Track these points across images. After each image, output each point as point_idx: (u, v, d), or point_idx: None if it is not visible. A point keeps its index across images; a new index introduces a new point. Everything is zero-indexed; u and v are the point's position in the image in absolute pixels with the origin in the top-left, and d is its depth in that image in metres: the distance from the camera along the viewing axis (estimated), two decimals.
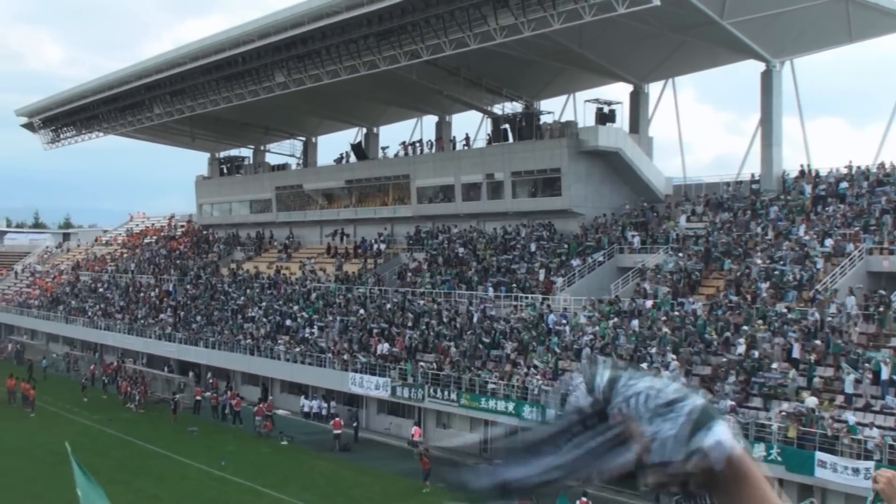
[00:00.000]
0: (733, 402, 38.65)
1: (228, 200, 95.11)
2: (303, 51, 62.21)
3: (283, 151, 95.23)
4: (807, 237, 48.54)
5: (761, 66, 57.51)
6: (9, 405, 62.46)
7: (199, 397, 63.61)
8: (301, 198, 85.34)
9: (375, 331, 59.11)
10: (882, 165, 53.20)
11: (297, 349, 62.04)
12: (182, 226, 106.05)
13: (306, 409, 60.37)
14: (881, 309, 41.41)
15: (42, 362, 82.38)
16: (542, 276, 56.96)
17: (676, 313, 46.88)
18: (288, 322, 66.80)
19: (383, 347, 56.28)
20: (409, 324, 58.23)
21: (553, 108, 70.10)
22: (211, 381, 68.25)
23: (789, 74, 59.11)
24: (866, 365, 38.03)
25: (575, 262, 56.57)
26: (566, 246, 59.34)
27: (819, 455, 34.72)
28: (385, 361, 55.05)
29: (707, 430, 2.14)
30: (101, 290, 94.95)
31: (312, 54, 61.99)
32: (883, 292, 42.46)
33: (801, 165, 57.51)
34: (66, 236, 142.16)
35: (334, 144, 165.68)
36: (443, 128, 77.64)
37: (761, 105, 58.33)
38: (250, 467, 46.98)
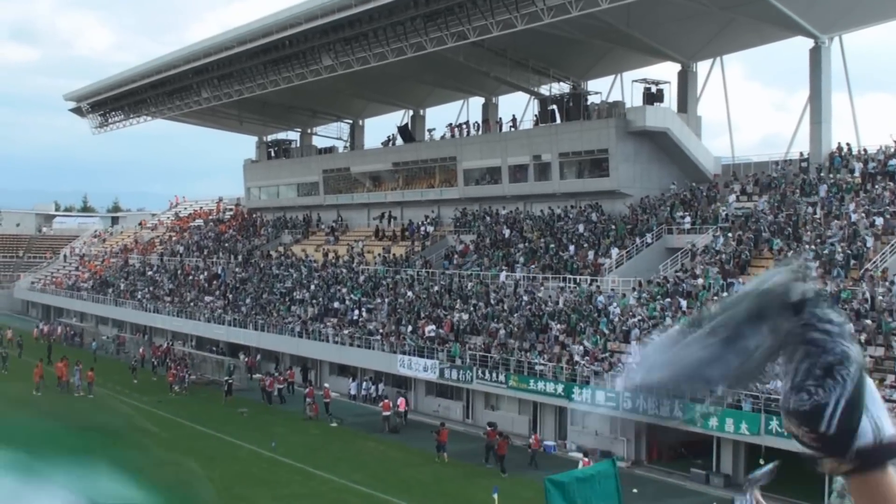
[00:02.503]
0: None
1: (276, 184, 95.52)
2: (350, 34, 62.32)
3: (330, 134, 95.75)
4: (856, 215, 48.11)
5: (810, 43, 56.91)
6: (58, 388, 63.01)
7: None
8: (348, 180, 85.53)
9: (423, 313, 59.25)
10: None
11: (346, 331, 62.27)
12: (230, 209, 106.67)
13: (353, 392, 60.55)
14: None
15: (92, 345, 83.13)
16: (590, 258, 56.82)
17: (726, 294, 46.58)
18: (336, 304, 67.04)
19: (431, 329, 56.36)
20: (457, 305, 58.27)
21: (600, 89, 69.89)
22: (247, 360, 69.19)
23: (838, 50, 58.58)
24: None
25: (614, 252, 56.12)
26: (614, 227, 59.10)
27: None
28: (433, 343, 55.14)
29: (863, 418, 2.10)
30: (150, 273, 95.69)
31: (360, 37, 62.11)
32: None
33: (846, 143, 56.73)
34: (115, 220, 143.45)
35: (381, 127, 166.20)
36: (489, 109, 77.57)
37: (810, 82, 57.74)
38: (300, 449, 47.21)
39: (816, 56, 56.83)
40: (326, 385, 59.62)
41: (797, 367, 2.12)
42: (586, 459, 40.42)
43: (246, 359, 69.92)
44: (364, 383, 60.41)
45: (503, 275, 59.62)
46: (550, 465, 42.68)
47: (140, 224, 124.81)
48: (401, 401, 54.18)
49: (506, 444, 44.14)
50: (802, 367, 2.11)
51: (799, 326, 2.12)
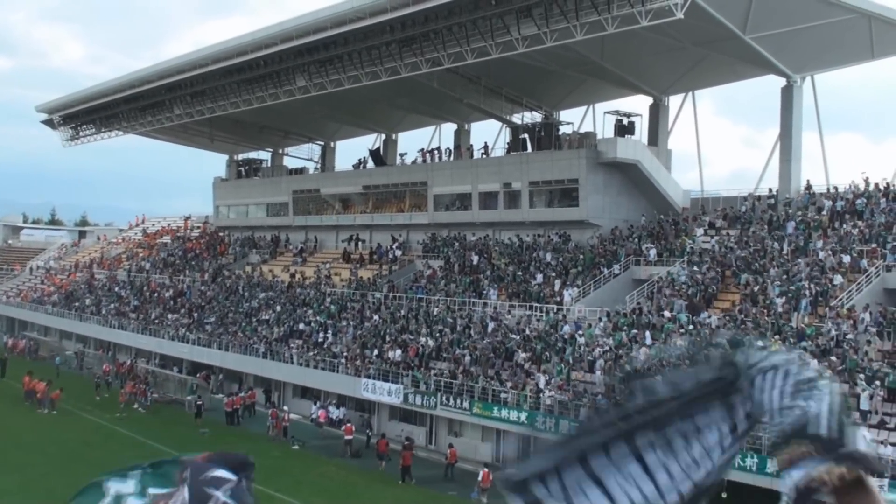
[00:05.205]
0: None
1: (245, 203, 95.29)
2: (325, 55, 62.26)
3: (301, 155, 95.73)
4: (823, 253, 48.44)
5: (782, 81, 57.46)
6: (25, 402, 62.61)
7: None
8: (318, 202, 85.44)
9: (389, 337, 59.14)
10: None
11: (310, 353, 62.03)
12: (198, 227, 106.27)
13: (314, 416, 59.62)
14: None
15: (56, 360, 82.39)
16: (557, 287, 56.90)
17: (692, 327, 46.72)
18: (301, 326, 66.81)
19: (396, 354, 56.27)
20: (423, 331, 58.18)
21: (572, 119, 70.03)
22: (200, 375, 69.00)
23: (809, 90, 59.09)
24: (877, 382, 37.94)
25: (567, 294, 56.16)
26: (582, 256, 59.23)
27: None
28: (398, 368, 55.01)
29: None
30: (115, 289, 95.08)
31: (334, 59, 62.05)
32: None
33: (811, 181, 57.43)
34: (82, 234, 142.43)
35: (353, 150, 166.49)
36: (461, 136, 77.72)
37: (781, 120, 58.25)
38: (261, 471, 45.67)
39: (788, 95, 57.40)
40: (286, 408, 59.31)
41: (766, 398, 2.17)
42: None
43: (199, 374, 69.71)
44: (330, 407, 60.07)
45: (489, 300, 59.61)
46: None
47: (99, 238, 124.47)
48: (321, 412, 57.10)
49: (410, 454, 46.25)
50: (779, 392, 2.16)
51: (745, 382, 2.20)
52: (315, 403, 60.73)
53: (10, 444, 51.55)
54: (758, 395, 2.21)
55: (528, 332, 53.00)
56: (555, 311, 54.13)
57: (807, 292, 45.40)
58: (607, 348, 47.68)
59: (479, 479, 41.79)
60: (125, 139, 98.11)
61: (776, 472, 2.17)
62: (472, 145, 75.16)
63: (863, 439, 2.09)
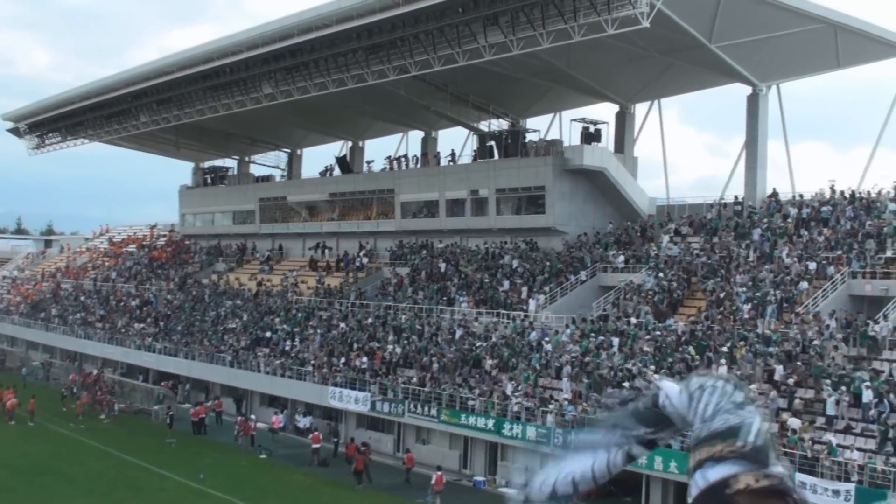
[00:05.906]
0: None
1: (211, 211, 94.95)
2: (291, 63, 62.17)
3: (267, 163, 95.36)
4: (789, 260, 48.70)
5: (747, 90, 57.79)
6: None
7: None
8: (284, 210, 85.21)
9: (356, 345, 59.01)
10: (868, 192, 53.23)
11: (278, 362, 61.77)
12: (164, 235, 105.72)
13: (281, 424, 59.01)
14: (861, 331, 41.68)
15: (22, 370, 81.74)
16: (524, 294, 56.93)
17: (658, 332, 46.85)
18: (268, 334, 66.56)
19: (362, 361, 56.16)
20: (390, 338, 58.07)
21: (539, 127, 70.24)
22: (164, 384, 68.81)
23: (775, 98, 59.43)
24: (842, 387, 38.17)
25: (532, 301, 56.24)
26: (548, 264, 59.28)
27: (799, 476, 34.67)
28: (365, 376, 54.87)
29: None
30: (82, 298, 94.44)
31: (301, 66, 61.97)
32: (864, 317, 42.72)
33: (778, 188, 57.82)
34: (48, 243, 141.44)
35: (319, 157, 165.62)
36: (428, 143, 77.78)
37: (747, 128, 58.60)
38: (228, 480, 46.69)
39: (754, 103, 57.75)
40: (253, 416, 59.08)
41: (702, 407, 2.22)
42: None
43: (162, 383, 69.43)
44: (297, 415, 59.88)
45: (456, 307, 59.57)
46: (479, 501, 42.88)
47: (62, 248, 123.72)
48: (275, 418, 58.51)
49: (362, 459, 46.46)
50: (711, 404, 2.21)
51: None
52: (281, 412, 60.44)
53: None
54: (682, 410, 2.32)
55: (495, 339, 53.03)
56: (521, 317, 54.19)
57: (772, 299, 45.64)
58: (574, 355, 47.77)
59: (433, 481, 42.07)
60: (91, 147, 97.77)
61: (689, 468, 2.18)
62: (439, 153, 75.20)
63: (783, 467, 2.13)
